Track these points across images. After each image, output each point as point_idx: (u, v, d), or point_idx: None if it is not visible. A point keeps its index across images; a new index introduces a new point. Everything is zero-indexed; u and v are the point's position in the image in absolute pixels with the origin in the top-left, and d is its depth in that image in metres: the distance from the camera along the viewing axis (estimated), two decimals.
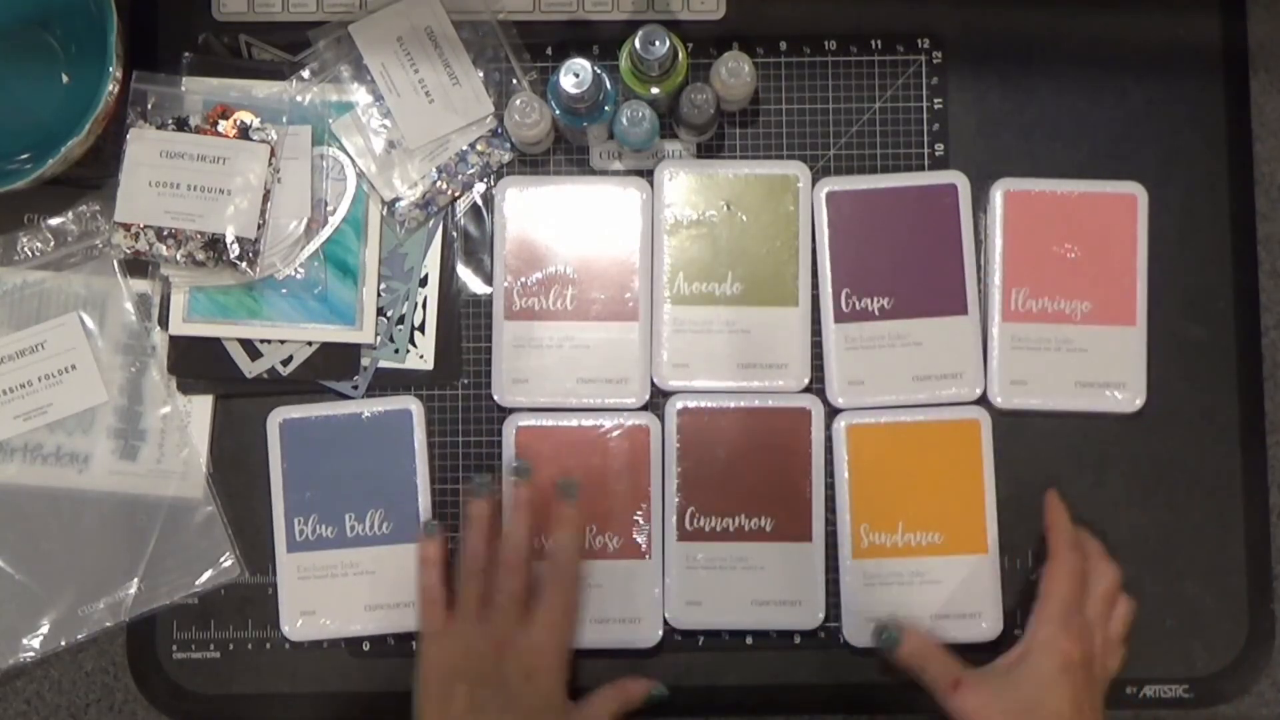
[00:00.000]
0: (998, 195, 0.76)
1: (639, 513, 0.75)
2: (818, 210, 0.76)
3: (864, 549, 0.75)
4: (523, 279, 0.76)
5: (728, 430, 0.75)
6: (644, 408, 0.75)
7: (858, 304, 0.76)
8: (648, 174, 0.77)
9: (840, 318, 0.76)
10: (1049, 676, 0.67)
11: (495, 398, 0.75)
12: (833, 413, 0.75)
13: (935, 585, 0.74)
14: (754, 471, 0.75)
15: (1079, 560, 0.71)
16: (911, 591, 0.74)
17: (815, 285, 0.76)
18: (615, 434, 0.75)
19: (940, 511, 0.74)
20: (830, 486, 0.75)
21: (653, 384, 0.75)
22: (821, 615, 0.74)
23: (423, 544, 0.73)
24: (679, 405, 0.75)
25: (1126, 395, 0.75)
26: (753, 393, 0.75)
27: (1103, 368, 0.75)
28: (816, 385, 0.76)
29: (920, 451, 0.75)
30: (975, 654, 0.73)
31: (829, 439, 0.75)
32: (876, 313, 0.75)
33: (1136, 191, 0.76)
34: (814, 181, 0.76)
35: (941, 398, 0.75)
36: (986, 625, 0.74)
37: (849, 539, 0.74)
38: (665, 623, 0.74)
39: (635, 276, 0.76)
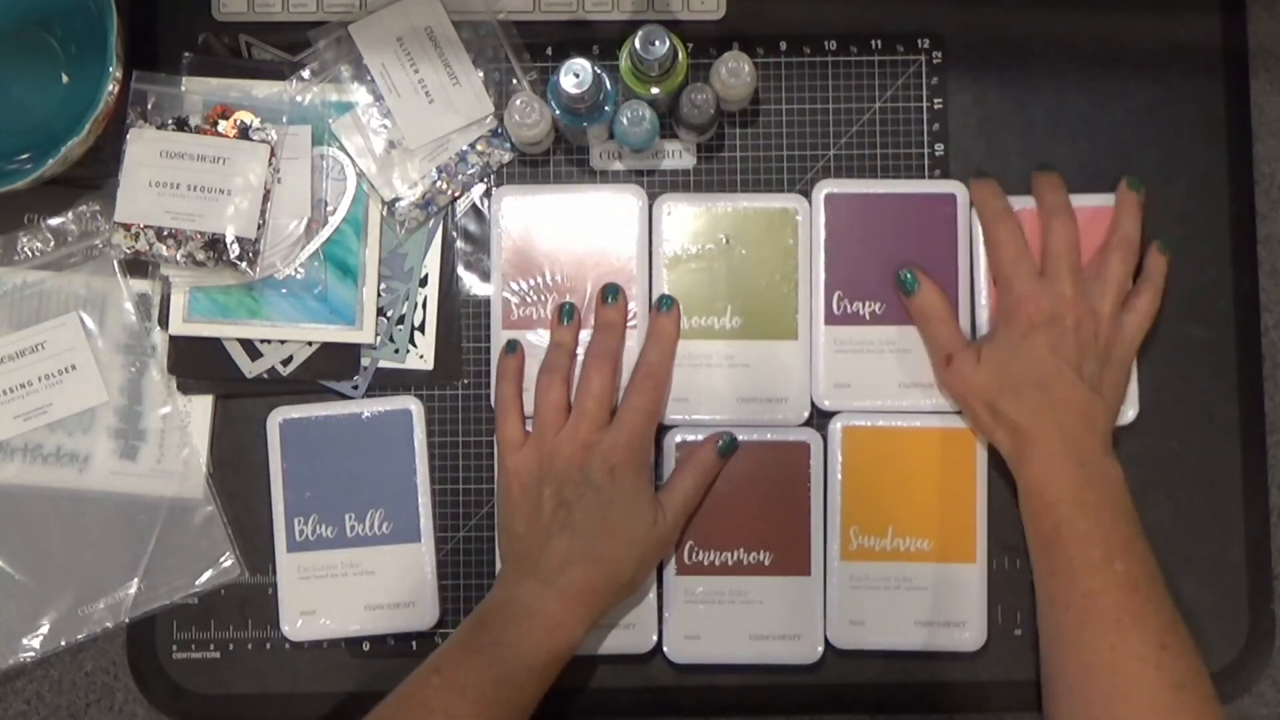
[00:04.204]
0: None
1: None
2: (815, 211, 0.76)
3: (852, 551, 0.74)
4: (520, 287, 0.76)
5: (727, 464, 0.74)
6: None
7: (849, 308, 0.75)
8: (647, 174, 0.77)
9: (830, 320, 0.75)
10: (1016, 339, 0.70)
11: (493, 404, 0.75)
12: (825, 414, 0.75)
13: (921, 592, 0.74)
14: (753, 505, 0.74)
15: (1010, 228, 0.73)
16: (897, 596, 0.74)
17: (810, 284, 0.76)
18: None
19: (931, 518, 0.74)
20: (824, 487, 0.75)
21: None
22: (821, 649, 0.74)
23: (502, 359, 0.74)
24: (678, 439, 0.75)
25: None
26: (752, 426, 0.75)
27: None
28: (818, 420, 0.75)
29: (914, 457, 0.75)
30: (956, 663, 0.74)
31: (824, 440, 0.75)
32: (867, 317, 0.75)
33: None
34: (812, 183, 0.76)
35: (925, 406, 0.75)
36: (970, 635, 0.74)
37: (838, 540, 0.74)
38: (664, 656, 0.74)
39: (633, 284, 0.76)
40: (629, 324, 0.75)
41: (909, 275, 0.73)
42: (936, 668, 0.75)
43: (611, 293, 0.74)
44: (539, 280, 0.76)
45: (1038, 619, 0.71)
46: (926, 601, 0.74)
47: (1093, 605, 0.66)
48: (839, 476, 0.75)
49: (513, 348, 0.75)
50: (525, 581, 0.69)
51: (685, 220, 0.76)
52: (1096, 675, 0.65)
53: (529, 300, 0.76)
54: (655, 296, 0.75)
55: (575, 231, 0.76)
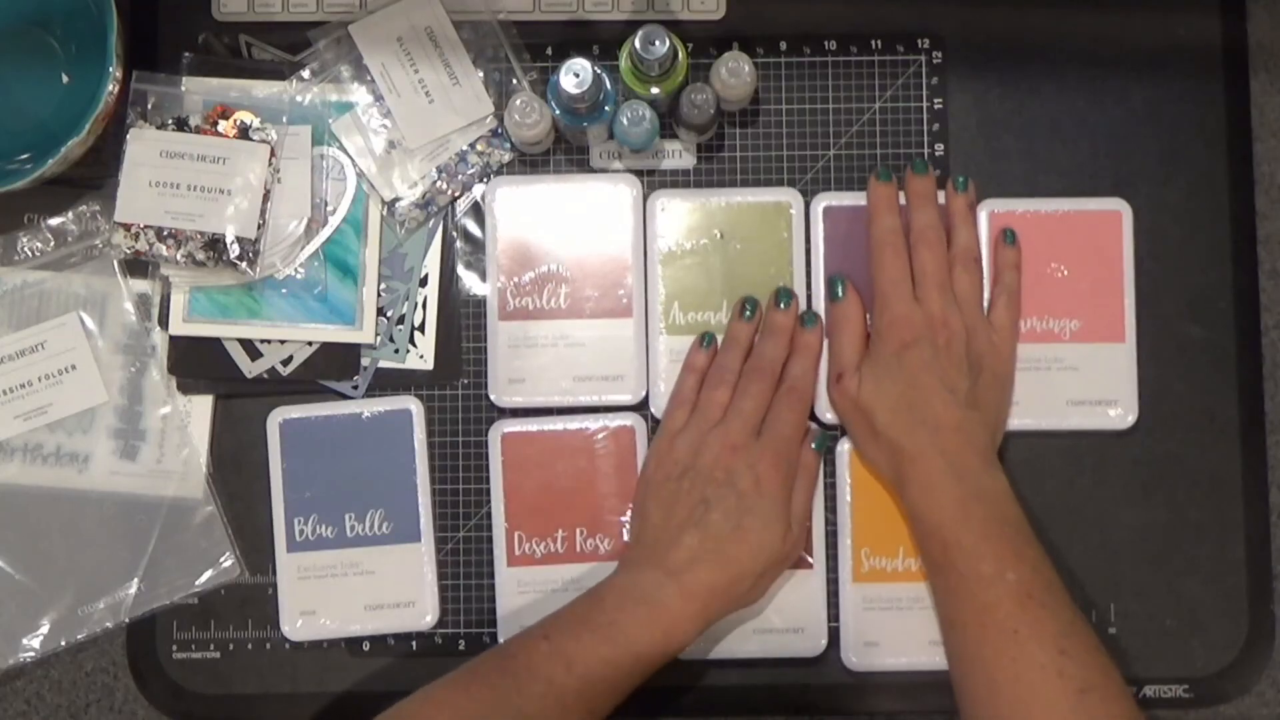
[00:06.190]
0: (982, 216, 0.75)
1: (627, 516, 0.75)
2: (814, 224, 0.76)
3: (864, 573, 0.74)
4: (516, 279, 0.76)
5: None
6: (637, 407, 0.75)
7: None
8: (648, 174, 0.77)
9: None
10: (891, 359, 0.71)
11: (492, 398, 0.75)
12: (830, 429, 0.75)
13: (933, 611, 0.73)
14: None
15: (895, 248, 0.72)
16: (910, 617, 0.74)
17: (806, 278, 0.76)
18: (602, 435, 0.75)
19: None
20: (833, 510, 0.75)
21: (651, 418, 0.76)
22: (824, 642, 0.74)
23: (694, 352, 0.74)
24: None
25: (1119, 412, 0.75)
26: None
27: (1094, 385, 0.75)
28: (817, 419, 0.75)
29: None
30: None
31: (832, 460, 0.75)
32: (868, 330, 0.75)
33: (1121, 208, 0.76)
34: (810, 192, 0.76)
35: None
36: None
37: (849, 562, 0.74)
38: None
39: (628, 273, 0.76)
40: (624, 316, 0.75)
41: (840, 282, 0.74)
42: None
43: (784, 297, 0.74)
44: (535, 271, 0.76)
45: (942, 642, 0.70)
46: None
47: (989, 620, 0.66)
48: (848, 498, 0.75)
49: (707, 341, 0.75)
50: (649, 570, 0.69)
51: (679, 216, 0.76)
52: (1002, 690, 0.64)
53: (525, 290, 0.76)
54: (801, 310, 0.75)
55: (570, 221, 0.76)
